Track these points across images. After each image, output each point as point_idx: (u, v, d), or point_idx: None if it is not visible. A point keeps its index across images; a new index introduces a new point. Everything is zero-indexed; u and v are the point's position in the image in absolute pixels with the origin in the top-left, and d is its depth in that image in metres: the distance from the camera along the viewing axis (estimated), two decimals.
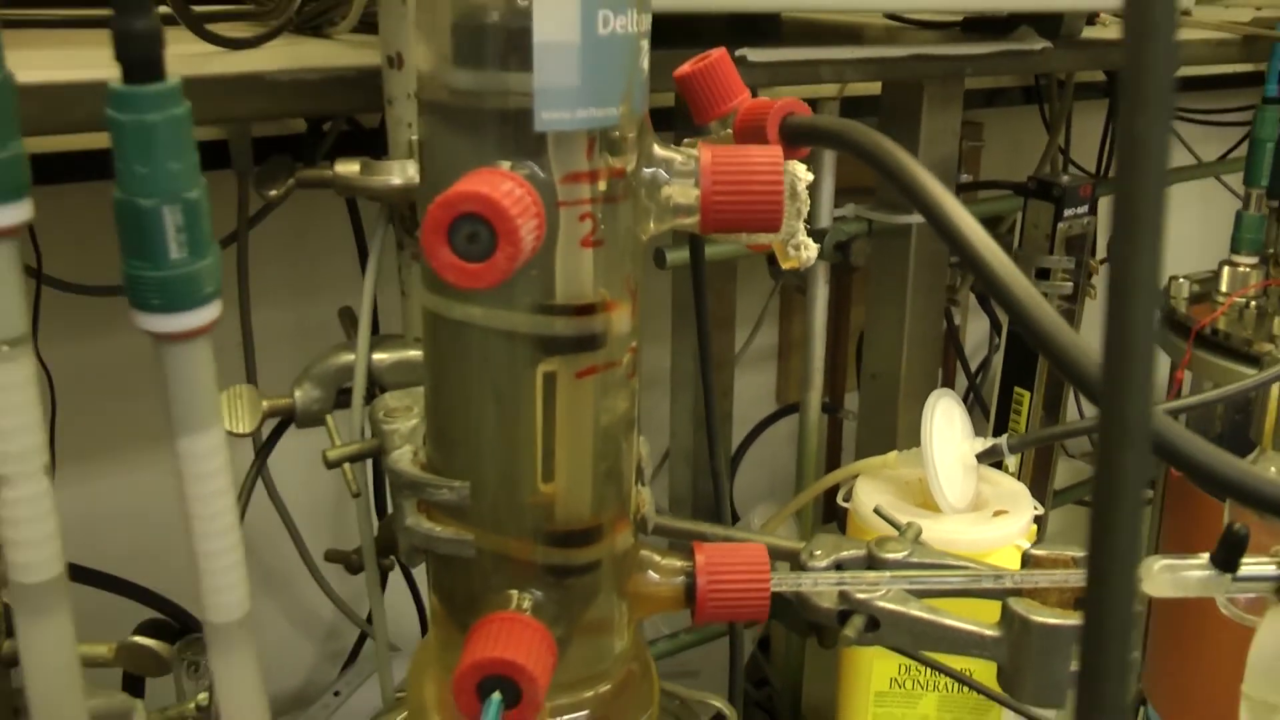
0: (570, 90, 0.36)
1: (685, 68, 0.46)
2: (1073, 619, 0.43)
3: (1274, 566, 0.48)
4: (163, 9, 0.40)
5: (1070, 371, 0.36)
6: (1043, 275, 0.86)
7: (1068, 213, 0.85)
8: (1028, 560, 0.47)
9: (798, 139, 0.45)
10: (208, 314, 0.32)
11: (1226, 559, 0.47)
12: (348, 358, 0.51)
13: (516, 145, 0.36)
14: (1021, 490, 0.77)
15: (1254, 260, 0.93)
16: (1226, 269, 0.94)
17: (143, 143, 0.29)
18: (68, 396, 0.78)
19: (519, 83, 0.36)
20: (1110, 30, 0.92)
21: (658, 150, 0.40)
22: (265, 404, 0.49)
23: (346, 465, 0.46)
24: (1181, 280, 0.96)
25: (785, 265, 0.46)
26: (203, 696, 0.48)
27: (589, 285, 0.39)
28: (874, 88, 0.93)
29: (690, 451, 1.03)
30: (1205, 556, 0.48)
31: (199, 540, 0.34)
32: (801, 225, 0.45)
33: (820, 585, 0.44)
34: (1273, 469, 0.82)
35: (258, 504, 0.76)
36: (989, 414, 0.97)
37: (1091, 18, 0.92)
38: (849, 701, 0.77)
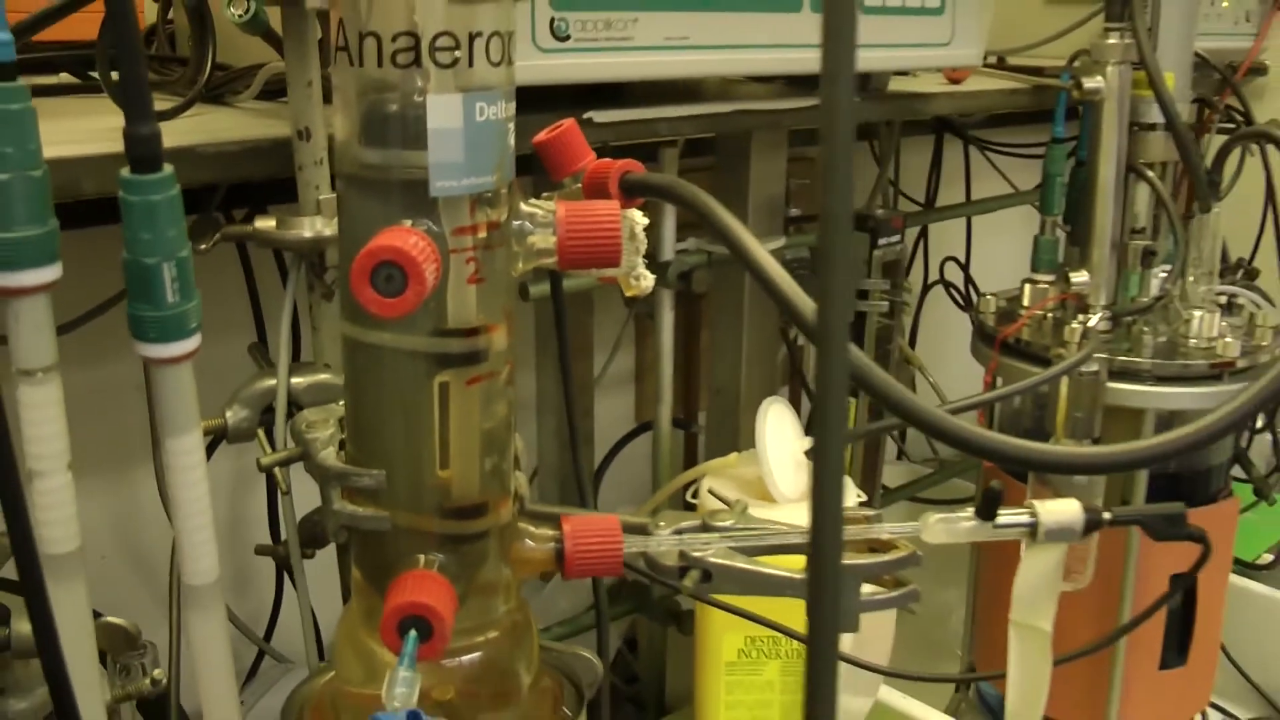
0: (456, 164, 0.48)
1: (541, 136, 0.59)
2: (861, 559, 0.57)
3: (1026, 515, 0.62)
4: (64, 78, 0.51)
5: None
6: (862, 296, 1.01)
7: (882, 242, 1.00)
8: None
9: (633, 192, 0.57)
10: (192, 343, 0.43)
11: (987, 510, 0.61)
12: (270, 382, 0.62)
13: (416, 207, 0.48)
14: (846, 481, 0.91)
15: (1050, 278, 1.09)
16: (1028, 286, 1.10)
17: (147, 217, 0.40)
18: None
19: (416, 159, 0.48)
20: (917, 82, 1.07)
21: (523, 206, 0.52)
22: (202, 424, 0.59)
23: (277, 469, 0.57)
24: (989, 297, 1.12)
25: (629, 294, 0.59)
26: (159, 672, 0.58)
27: (474, 313, 0.51)
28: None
29: (556, 469, 1.15)
30: (971, 510, 0.61)
31: (181, 519, 0.45)
32: (640, 260, 0.57)
33: (663, 546, 0.57)
34: None
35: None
36: None
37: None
38: (704, 674, 0.90)
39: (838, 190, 0.30)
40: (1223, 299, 1.09)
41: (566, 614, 1.05)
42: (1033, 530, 0.61)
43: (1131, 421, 1.01)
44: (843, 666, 0.80)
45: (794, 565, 0.59)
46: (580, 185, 0.58)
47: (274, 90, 0.73)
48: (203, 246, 0.61)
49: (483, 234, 0.50)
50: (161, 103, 0.67)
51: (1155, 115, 1.00)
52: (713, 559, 0.57)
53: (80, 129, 0.63)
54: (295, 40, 0.60)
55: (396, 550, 0.52)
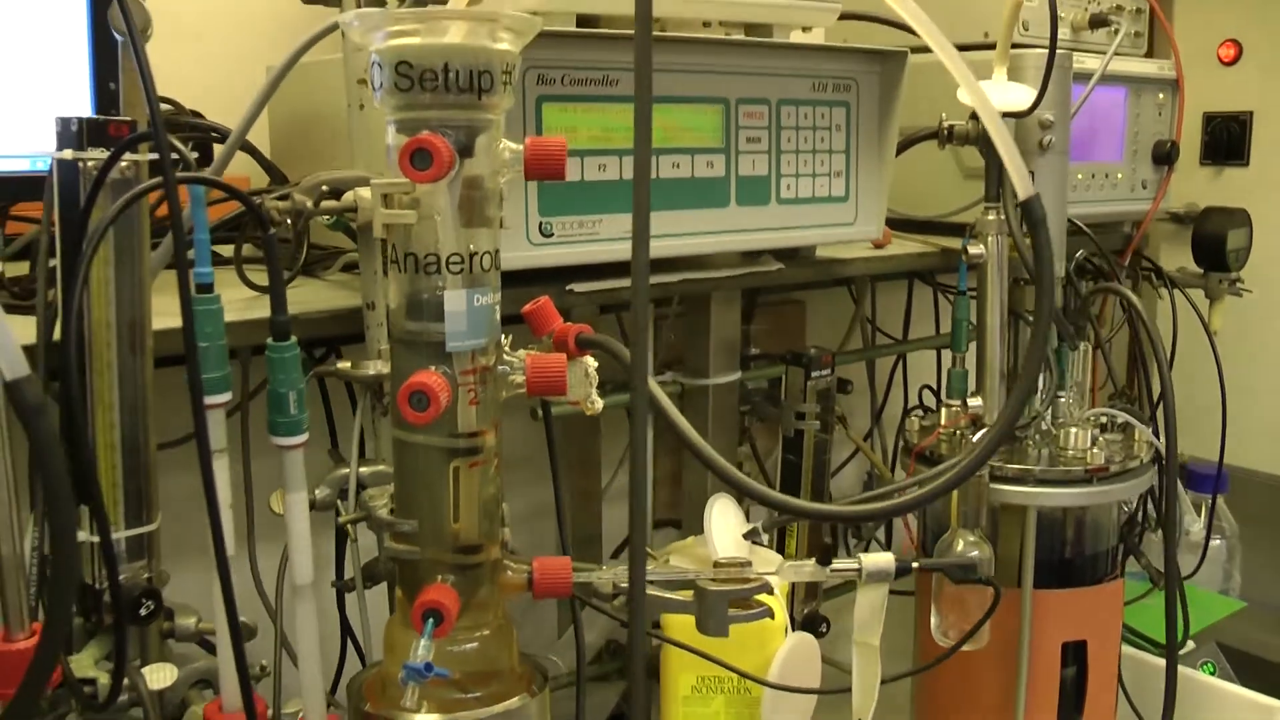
0: (461, 332, 0.83)
1: (526, 308, 0.94)
2: (726, 587, 0.90)
3: (854, 563, 0.95)
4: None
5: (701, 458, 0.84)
6: (799, 417, 1.35)
7: (815, 374, 1.35)
8: (718, 565, 0.94)
9: (585, 346, 0.93)
10: (304, 439, 0.79)
11: (824, 559, 0.95)
12: (344, 471, 0.97)
13: (437, 357, 0.84)
14: (777, 557, 1.23)
15: (959, 402, 1.42)
16: (943, 409, 1.43)
17: (281, 367, 0.76)
18: None
19: (438, 328, 0.83)
20: (845, 248, 1.42)
21: (505, 355, 0.88)
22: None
23: (350, 525, 0.92)
24: (914, 417, 1.45)
25: (588, 413, 0.94)
26: (265, 661, 0.92)
27: (474, 423, 0.86)
28: None
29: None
30: (813, 560, 0.95)
31: (294, 541, 0.80)
32: (593, 390, 0.93)
33: (598, 578, 0.91)
34: (960, 544, 1.29)
35: None
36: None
37: None
38: (666, 707, 1.22)
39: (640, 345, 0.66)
40: (1104, 419, 1.41)
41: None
42: (859, 573, 0.95)
43: (1019, 516, 1.34)
44: (770, 697, 1.13)
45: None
46: (550, 340, 0.94)
47: (347, 265, 1.10)
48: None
49: (479, 374, 0.85)
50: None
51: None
52: (622, 585, 0.91)
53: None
54: (366, 248, 0.97)
55: (423, 574, 0.87)
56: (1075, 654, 1.39)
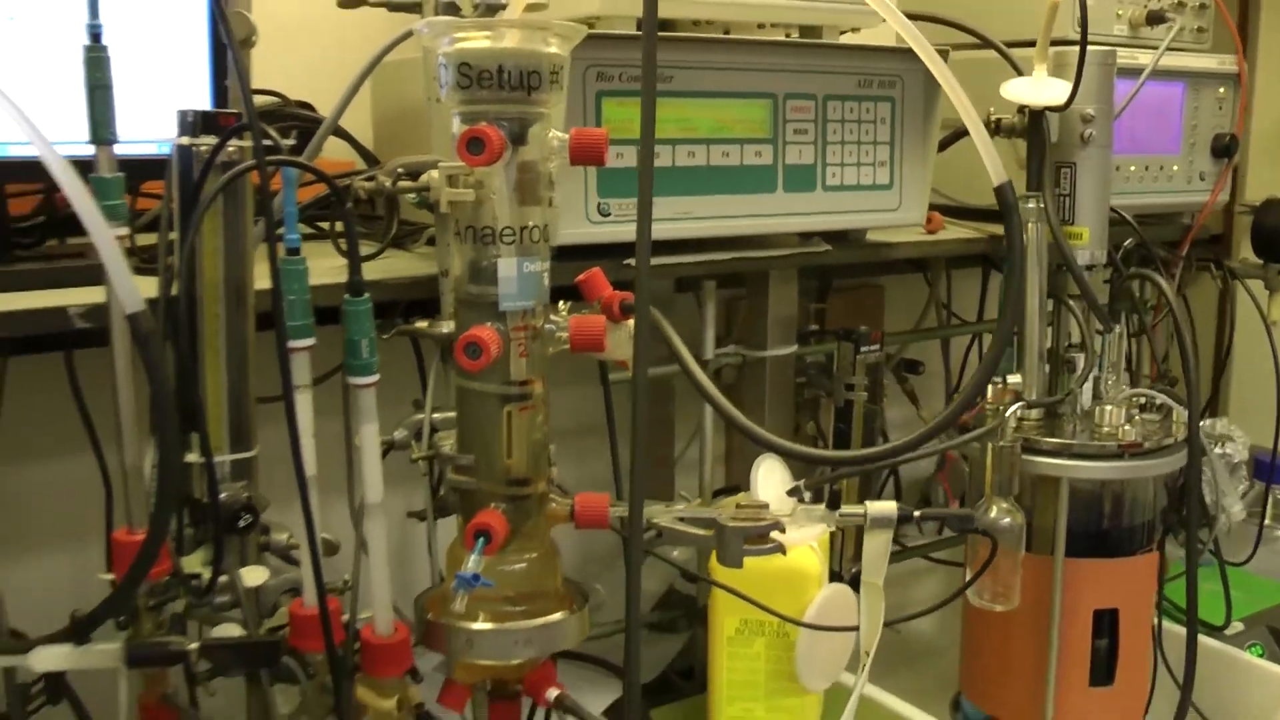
0: (512, 294, 0.99)
1: (580, 276, 1.10)
2: (740, 524, 1.04)
3: (860, 509, 1.08)
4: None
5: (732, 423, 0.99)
6: (849, 389, 1.49)
7: (863, 350, 1.48)
8: (739, 506, 1.08)
9: (626, 312, 1.08)
10: (374, 379, 0.95)
11: (832, 504, 1.08)
12: (420, 416, 1.13)
13: (492, 315, 0.99)
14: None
15: (1002, 380, 1.53)
16: (990, 386, 1.54)
17: (356, 320, 0.93)
18: None
19: (493, 291, 0.99)
20: (898, 232, 1.55)
21: (552, 315, 1.03)
22: (381, 438, 1.11)
23: (422, 462, 1.08)
24: None
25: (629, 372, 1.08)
26: (347, 576, 1.09)
27: (524, 373, 1.01)
28: None
29: None
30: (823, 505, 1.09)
31: (365, 461, 0.97)
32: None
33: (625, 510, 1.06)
34: (994, 510, 1.41)
35: None
36: None
37: None
38: (713, 649, 1.37)
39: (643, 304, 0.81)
40: (1143, 399, 1.52)
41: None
42: (864, 518, 1.08)
43: (1054, 486, 1.45)
44: (805, 641, 1.26)
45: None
46: (600, 305, 1.09)
47: (430, 239, 1.26)
48: (384, 337, 1.14)
49: (528, 331, 1.01)
50: (367, 247, 1.22)
51: (1078, 258, 1.46)
52: (659, 522, 1.06)
53: (317, 268, 1.17)
54: (440, 223, 1.13)
55: (479, 502, 1.03)
56: (1110, 624, 1.50)
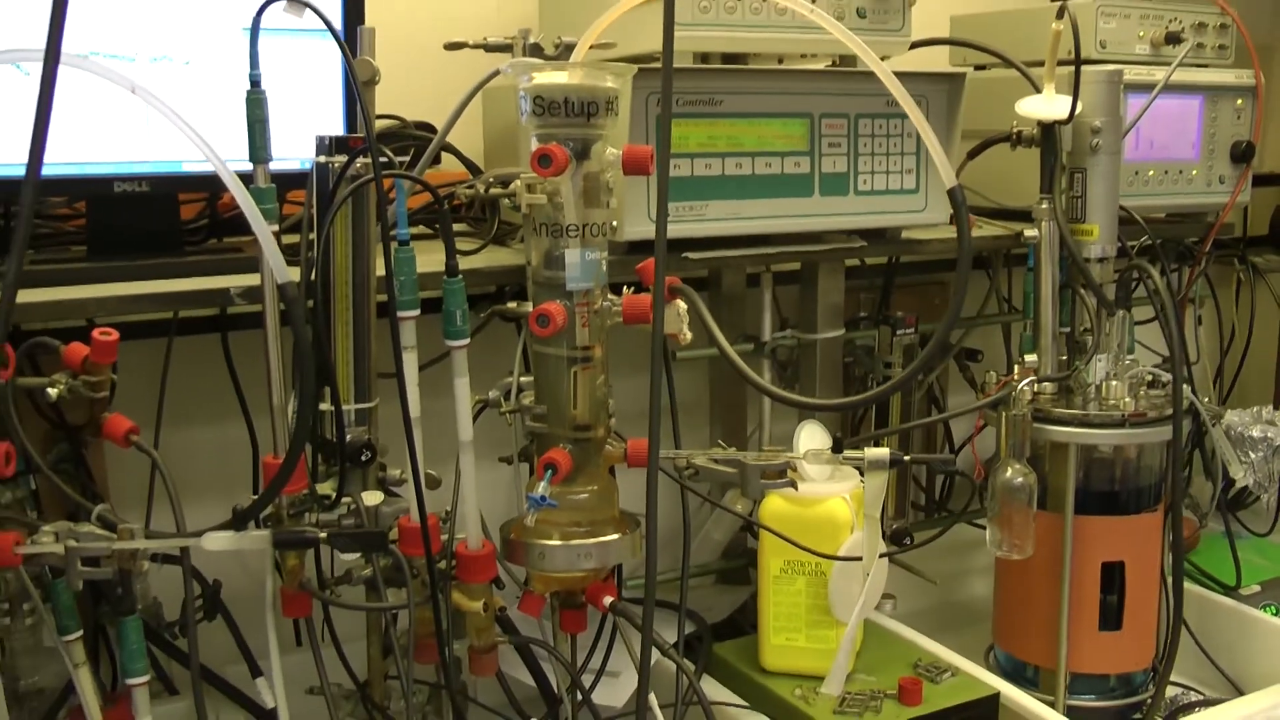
0: (576, 277, 1.26)
1: (639, 265, 1.36)
2: (759, 463, 1.30)
3: (860, 454, 1.33)
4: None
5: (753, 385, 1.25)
6: (887, 366, 1.73)
7: (899, 332, 1.73)
8: (762, 451, 1.33)
9: (674, 294, 1.34)
10: (465, 341, 1.23)
11: (836, 448, 1.33)
12: (509, 380, 1.41)
13: (560, 294, 1.26)
14: (853, 473, 1.61)
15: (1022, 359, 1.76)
16: (1016, 365, 1.77)
17: (452, 294, 1.21)
18: None
19: (561, 275, 1.26)
20: (920, 231, 1.78)
21: (609, 296, 1.30)
22: (475, 397, 1.38)
23: (509, 416, 1.36)
24: (991, 373, 1.80)
25: (682, 342, 1.35)
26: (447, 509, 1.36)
27: (587, 340, 1.28)
28: None
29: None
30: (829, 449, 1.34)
31: (460, 410, 1.25)
32: (683, 326, 1.34)
33: (675, 453, 1.32)
34: (1008, 470, 1.64)
35: None
36: None
37: None
38: (761, 586, 1.62)
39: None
40: (1149, 377, 1.73)
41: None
42: (863, 461, 1.33)
43: (1065, 452, 1.68)
44: (836, 578, 1.51)
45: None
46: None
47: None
48: (481, 315, 1.42)
49: (589, 306, 1.27)
50: (471, 243, 1.51)
51: (1088, 252, 1.69)
52: (697, 462, 1.32)
53: (424, 261, 1.45)
54: (528, 225, 1.40)
55: (550, 443, 1.30)
56: (1118, 576, 1.72)
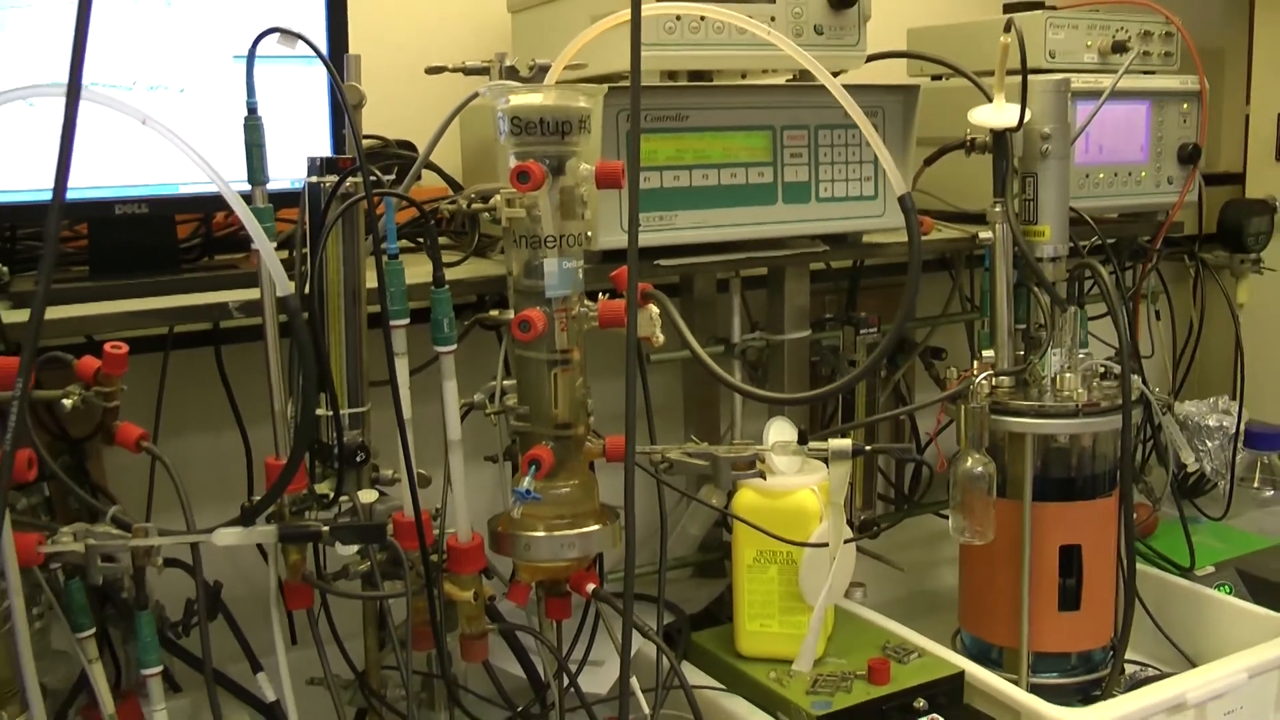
0: (554, 285, 1.36)
1: (613, 273, 1.47)
2: (730, 455, 1.40)
3: (825, 444, 1.44)
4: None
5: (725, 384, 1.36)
6: (852, 364, 1.84)
7: (862, 332, 1.83)
8: (732, 445, 1.44)
9: (647, 298, 1.44)
10: (452, 347, 1.33)
11: (802, 440, 1.44)
12: (493, 384, 1.51)
13: (539, 301, 1.37)
14: (821, 466, 1.71)
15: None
16: (975, 361, 1.88)
17: (439, 304, 1.31)
18: None
19: (540, 283, 1.36)
20: (880, 235, 1.89)
21: (586, 302, 1.40)
22: (461, 401, 1.48)
23: (494, 417, 1.46)
24: (952, 369, 1.91)
25: (654, 345, 1.45)
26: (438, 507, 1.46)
27: (565, 344, 1.38)
28: None
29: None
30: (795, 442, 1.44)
31: (447, 408, 1.35)
32: (655, 329, 1.44)
33: (650, 449, 1.42)
34: (969, 460, 1.75)
35: None
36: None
37: None
38: (737, 574, 1.73)
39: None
40: (1102, 369, 1.84)
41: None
42: (828, 451, 1.44)
43: (1020, 440, 1.78)
44: (806, 565, 1.61)
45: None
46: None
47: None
48: (466, 323, 1.52)
49: (567, 312, 1.38)
50: (454, 255, 1.61)
51: (1040, 252, 1.80)
52: (671, 455, 1.42)
53: (416, 273, 1.55)
54: (508, 237, 1.50)
55: (534, 441, 1.40)
56: (1075, 559, 1.82)
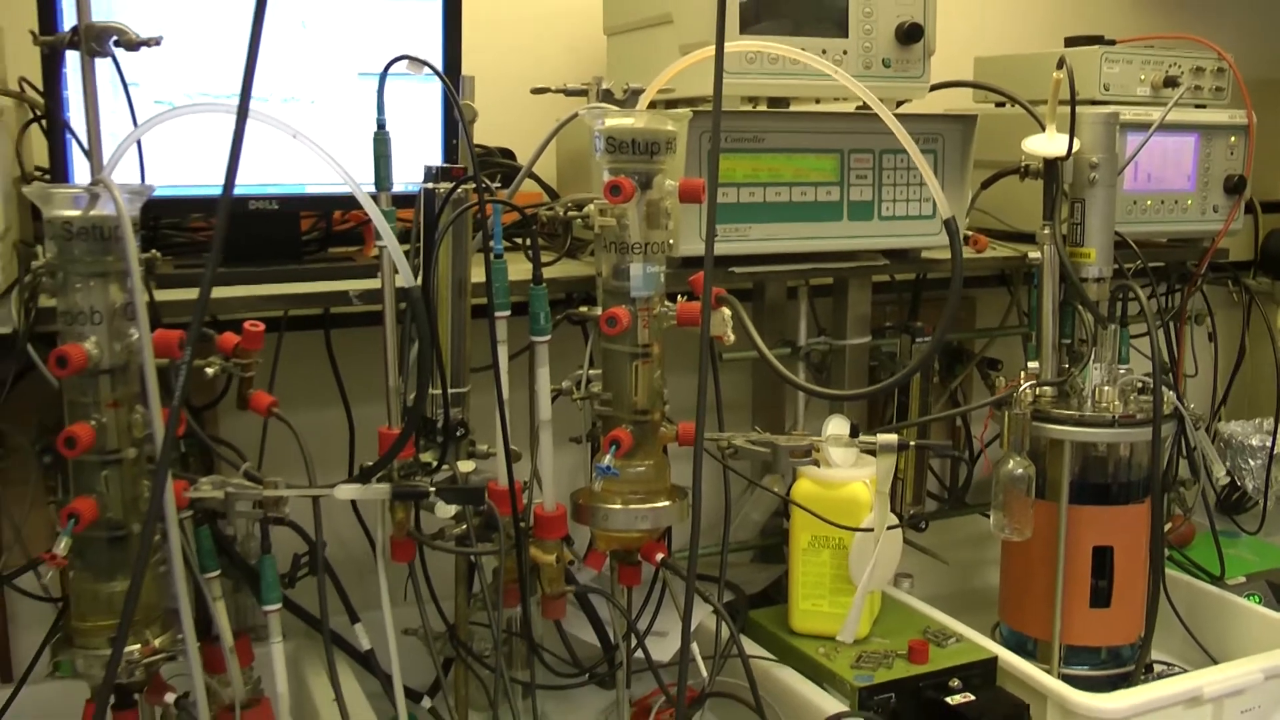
0: (639, 286, 1.56)
1: (691, 278, 1.67)
2: (788, 444, 1.60)
3: (873, 438, 1.63)
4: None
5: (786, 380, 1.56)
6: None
7: (918, 340, 2.02)
8: (789, 434, 1.63)
9: (720, 302, 1.64)
10: (547, 337, 1.54)
11: (853, 434, 1.63)
12: (580, 372, 1.71)
13: (626, 300, 1.57)
14: (873, 462, 1.89)
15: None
16: (1023, 371, 2.06)
17: (538, 299, 1.52)
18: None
19: (627, 285, 1.57)
20: (937, 251, 2.07)
21: (666, 302, 1.60)
22: (551, 386, 1.69)
23: (580, 402, 1.67)
24: (1001, 378, 2.09)
25: (726, 343, 1.65)
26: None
27: (647, 338, 1.59)
28: None
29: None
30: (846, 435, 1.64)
31: (539, 396, 1.56)
32: (728, 329, 1.64)
33: (719, 436, 1.62)
34: (1010, 463, 1.93)
35: None
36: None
37: None
38: (793, 557, 1.92)
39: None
40: (1140, 384, 2.02)
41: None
42: (875, 444, 1.63)
43: (1059, 446, 1.96)
44: (855, 551, 1.81)
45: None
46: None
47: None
48: (559, 318, 1.73)
49: (650, 311, 1.58)
50: (547, 255, 1.82)
51: (1085, 272, 1.98)
52: (736, 442, 1.62)
53: (517, 270, 1.75)
54: (596, 241, 1.71)
55: (615, 424, 1.60)
56: (1107, 559, 2.00)
